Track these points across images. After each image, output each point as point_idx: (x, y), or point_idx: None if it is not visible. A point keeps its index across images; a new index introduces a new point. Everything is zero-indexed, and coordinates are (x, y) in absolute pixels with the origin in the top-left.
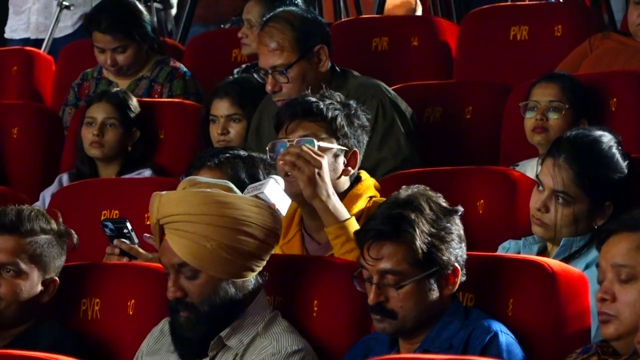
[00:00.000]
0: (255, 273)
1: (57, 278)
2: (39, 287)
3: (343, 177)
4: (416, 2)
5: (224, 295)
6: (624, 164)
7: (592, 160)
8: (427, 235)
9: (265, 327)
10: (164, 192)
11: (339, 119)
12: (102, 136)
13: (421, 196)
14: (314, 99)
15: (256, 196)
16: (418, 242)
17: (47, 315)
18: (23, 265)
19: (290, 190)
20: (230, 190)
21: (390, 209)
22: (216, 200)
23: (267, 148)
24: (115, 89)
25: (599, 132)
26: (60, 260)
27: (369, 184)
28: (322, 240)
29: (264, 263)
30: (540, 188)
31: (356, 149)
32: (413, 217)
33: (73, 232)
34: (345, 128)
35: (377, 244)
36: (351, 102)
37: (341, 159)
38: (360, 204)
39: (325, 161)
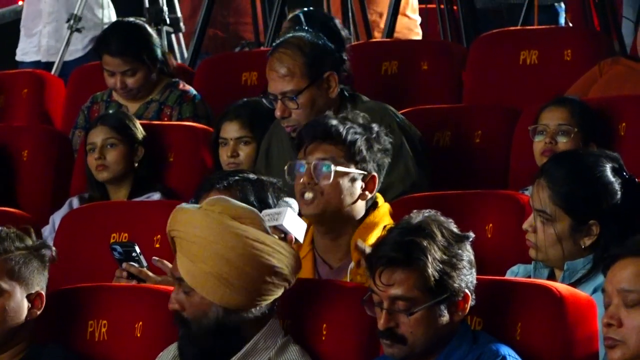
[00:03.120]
0: (255, 308)
1: (42, 292)
2: (25, 303)
3: (360, 201)
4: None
5: (215, 318)
6: (615, 184)
7: (568, 178)
8: (438, 262)
9: (278, 353)
10: (184, 206)
11: (358, 143)
12: (105, 158)
13: (433, 222)
14: (334, 122)
15: (274, 227)
16: (430, 270)
17: (53, 337)
18: (4, 285)
19: (306, 212)
20: (254, 219)
21: (402, 235)
22: (228, 231)
23: (284, 168)
24: (111, 111)
25: (584, 152)
26: (42, 274)
27: (385, 210)
28: (333, 264)
29: (269, 300)
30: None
31: (375, 174)
32: (425, 244)
33: (50, 244)
34: (364, 152)
35: (389, 270)
36: (373, 125)
37: (358, 184)
38: (376, 233)
39: None
